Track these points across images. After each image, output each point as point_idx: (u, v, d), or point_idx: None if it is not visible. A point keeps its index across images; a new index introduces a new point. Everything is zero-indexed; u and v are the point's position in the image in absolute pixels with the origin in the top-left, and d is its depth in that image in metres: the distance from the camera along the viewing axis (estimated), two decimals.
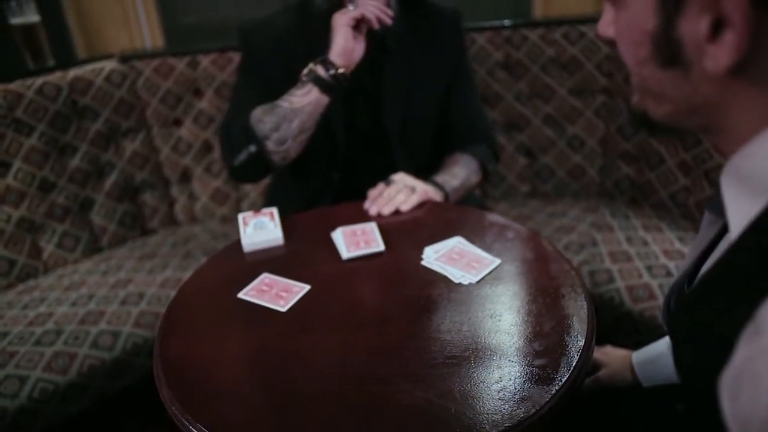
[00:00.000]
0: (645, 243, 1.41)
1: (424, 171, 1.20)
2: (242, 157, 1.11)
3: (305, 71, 1.08)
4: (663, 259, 1.33)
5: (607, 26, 0.50)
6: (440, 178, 1.19)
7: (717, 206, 0.49)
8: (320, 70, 1.06)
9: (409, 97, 1.22)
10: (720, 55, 0.39)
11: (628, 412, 0.88)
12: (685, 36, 0.41)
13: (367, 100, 1.23)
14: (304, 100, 1.07)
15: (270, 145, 1.09)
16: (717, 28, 0.38)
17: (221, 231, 1.71)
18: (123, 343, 1.28)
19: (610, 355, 0.94)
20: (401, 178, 1.11)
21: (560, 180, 1.78)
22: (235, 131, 1.13)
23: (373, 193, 1.09)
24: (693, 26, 0.39)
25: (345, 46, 1.06)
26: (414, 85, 1.22)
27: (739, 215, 0.43)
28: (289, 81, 1.10)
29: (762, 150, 0.41)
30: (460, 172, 1.23)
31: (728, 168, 0.44)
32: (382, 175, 1.12)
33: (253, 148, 1.10)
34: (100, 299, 1.38)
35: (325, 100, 1.08)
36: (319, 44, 1.10)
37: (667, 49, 0.43)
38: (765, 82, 0.39)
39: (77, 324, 1.29)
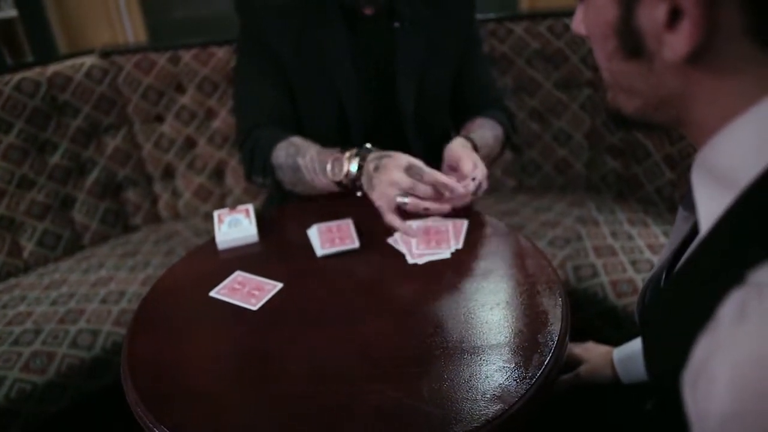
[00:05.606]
0: (630, 237, 1.40)
1: (438, 151, 1.10)
2: (259, 180, 1.13)
3: (333, 165, 0.98)
4: (648, 254, 1.32)
5: (579, 24, 0.51)
6: (475, 135, 1.09)
7: (690, 201, 0.49)
8: (343, 178, 0.97)
9: (424, 72, 1.15)
10: (677, 44, 0.39)
11: (607, 408, 0.87)
12: (645, 25, 0.41)
13: (379, 77, 1.15)
14: (319, 181, 1.02)
15: (286, 185, 1.10)
16: (674, 16, 0.38)
17: (204, 228, 1.69)
18: (102, 342, 1.26)
19: (591, 351, 0.93)
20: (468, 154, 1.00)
21: (546, 174, 1.77)
22: (257, 156, 1.10)
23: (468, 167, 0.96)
24: (651, 15, 0.40)
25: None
26: (428, 60, 1.15)
27: (708, 210, 0.42)
28: (300, 54, 1.08)
29: (726, 142, 0.41)
30: (487, 135, 1.13)
31: (697, 161, 0.44)
32: None
33: (269, 182, 1.11)
34: (80, 298, 1.36)
35: (337, 189, 1.01)
36: (330, 10, 1.06)
37: (630, 40, 0.43)
38: (724, 72, 0.39)
39: (56, 323, 1.28)
